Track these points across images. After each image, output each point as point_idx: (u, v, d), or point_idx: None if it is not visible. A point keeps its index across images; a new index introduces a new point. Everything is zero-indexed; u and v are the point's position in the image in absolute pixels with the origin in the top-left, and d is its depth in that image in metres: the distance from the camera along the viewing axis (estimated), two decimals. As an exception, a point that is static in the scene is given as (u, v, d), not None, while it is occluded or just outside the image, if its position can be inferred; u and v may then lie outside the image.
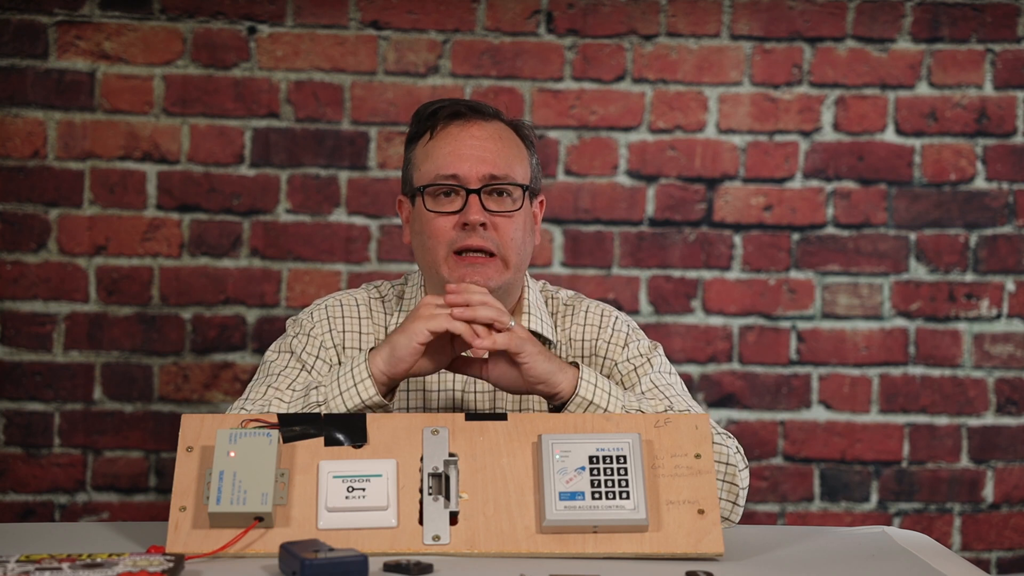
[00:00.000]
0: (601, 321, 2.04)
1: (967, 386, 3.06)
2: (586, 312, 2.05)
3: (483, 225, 1.89)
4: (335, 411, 1.77)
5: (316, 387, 1.81)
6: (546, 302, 2.08)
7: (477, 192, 1.89)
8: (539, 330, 2.00)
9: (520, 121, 2.01)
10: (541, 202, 2.04)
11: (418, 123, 1.98)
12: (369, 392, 1.77)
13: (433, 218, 1.91)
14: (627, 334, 2.04)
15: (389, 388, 1.81)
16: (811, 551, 1.75)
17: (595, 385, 1.81)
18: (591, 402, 1.79)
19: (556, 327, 2.05)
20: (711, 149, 3.06)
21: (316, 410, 1.78)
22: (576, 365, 1.82)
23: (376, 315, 2.03)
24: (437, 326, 1.76)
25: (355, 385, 1.78)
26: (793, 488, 3.05)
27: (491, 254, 1.91)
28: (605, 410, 1.80)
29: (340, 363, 1.96)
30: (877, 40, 3.06)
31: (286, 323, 2.04)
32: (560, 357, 1.92)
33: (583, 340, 2.03)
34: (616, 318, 2.06)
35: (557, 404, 1.82)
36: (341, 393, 1.78)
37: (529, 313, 2.01)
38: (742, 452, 1.90)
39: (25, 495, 2.97)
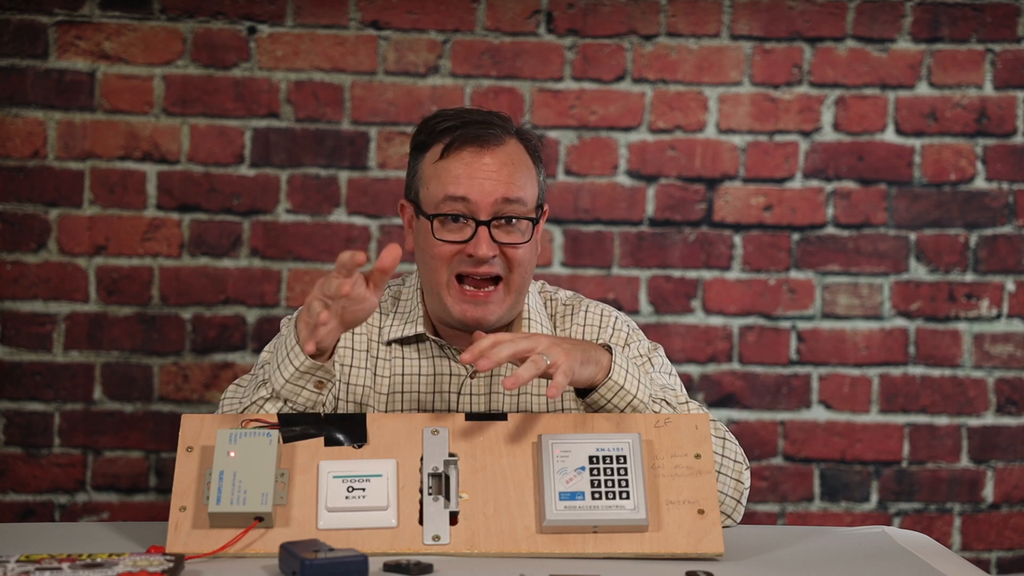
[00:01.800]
0: (601, 321, 2.05)
1: (967, 386, 3.06)
2: (586, 312, 2.06)
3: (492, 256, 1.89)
4: (276, 384, 1.74)
5: (263, 365, 1.80)
6: (545, 304, 2.08)
7: (487, 224, 1.88)
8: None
9: (529, 133, 1.98)
10: (544, 212, 2.03)
11: (428, 134, 1.95)
12: (300, 358, 1.73)
13: (440, 244, 1.90)
14: (627, 334, 2.05)
15: (321, 351, 1.75)
16: (811, 551, 1.75)
17: (626, 371, 1.79)
18: (622, 387, 1.77)
19: (555, 328, 2.05)
20: (711, 149, 3.05)
21: (262, 389, 1.76)
22: (609, 349, 1.80)
23: (371, 315, 2.03)
24: (329, 290, 1.68)
25: (287, 354, 1.74)
26: (793, 488, 3.05)
27: (496, 278, 1.91)
28: (634, 396, 1.78)
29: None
30: (877, 40, 3.06)
31: (280, 323, 2.04)
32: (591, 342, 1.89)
33: (583, 340, 2.03)
34: (616, 318, 2.06)
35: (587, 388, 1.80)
36: (279, 365, 1.76)
37: (529, 318, 2.01)
38: (743, 452, 1.91)
39: (25, 495, 2.97)
